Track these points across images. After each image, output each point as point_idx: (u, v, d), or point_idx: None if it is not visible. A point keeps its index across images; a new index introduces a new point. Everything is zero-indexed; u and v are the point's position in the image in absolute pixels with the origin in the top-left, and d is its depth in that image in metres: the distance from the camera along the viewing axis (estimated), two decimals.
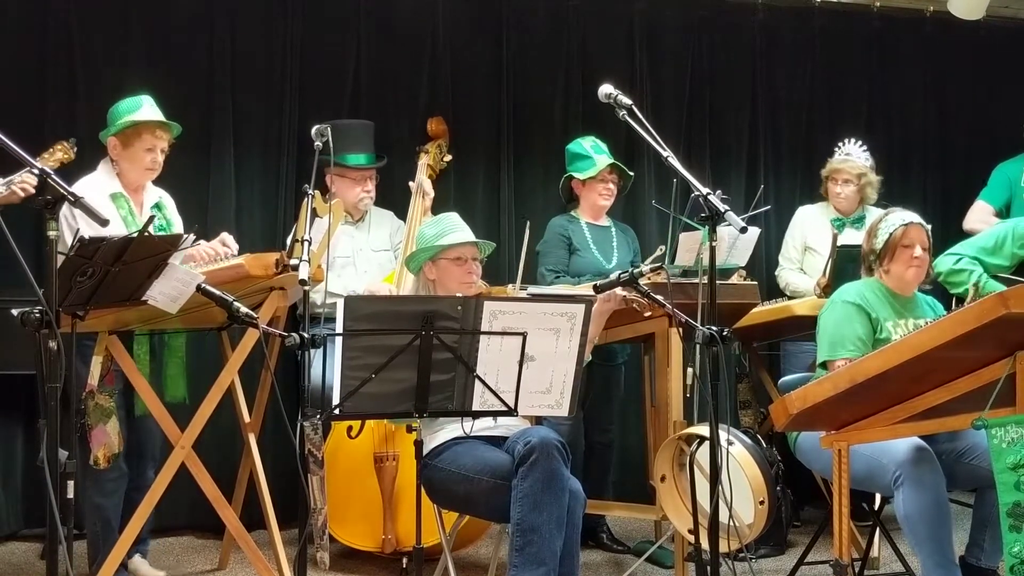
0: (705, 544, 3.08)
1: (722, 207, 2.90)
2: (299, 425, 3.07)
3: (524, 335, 2.84)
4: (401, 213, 4.64)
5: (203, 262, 3.53)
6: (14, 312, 2.60)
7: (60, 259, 2.64)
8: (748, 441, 3.36)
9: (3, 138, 2.62)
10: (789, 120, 5.58)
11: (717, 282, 3.02)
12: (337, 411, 2.83)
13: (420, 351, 2.79)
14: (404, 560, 4.04)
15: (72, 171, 3.67)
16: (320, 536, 3.73)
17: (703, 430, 3.26)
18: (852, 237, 4.42)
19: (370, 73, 5.01)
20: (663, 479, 3.54)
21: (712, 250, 2.96)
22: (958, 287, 3.95)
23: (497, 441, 3.22)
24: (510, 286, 3.85)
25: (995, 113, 5.77)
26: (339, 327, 2.74)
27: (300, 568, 3.08)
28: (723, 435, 3.07)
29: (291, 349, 2.99)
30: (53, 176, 2.59)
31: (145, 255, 2.95)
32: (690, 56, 5.43)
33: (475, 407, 2.93)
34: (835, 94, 5.65)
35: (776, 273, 4.92)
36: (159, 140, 3.68)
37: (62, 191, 2.57)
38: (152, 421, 3.66)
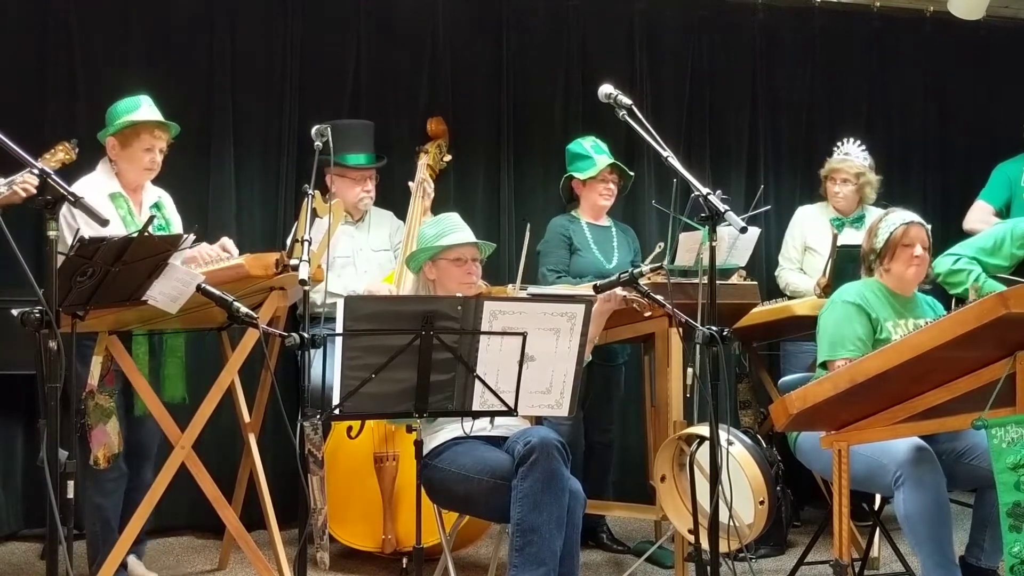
0: (705, 544, 3.08)
1: (722, 207, 2.90)
2: (299, 425, 3.07)
3: (524, 335, 2.84)
4: (401, 213, 4.64)
5: (203, 263, 3.52)
6: (14, 312, 2.60)
7: (60, 259, 2.64)
8: (748, 441, 3.36)
9: (3, 138, 2.62)
10: (789, 120, 5.58)
11: (717, 282, 3.02)
12: (337, 411, 2.83)
13: (420, 351, 2.79)
14: (404, 560, 4.04)
15: (72, 171, 3.67)
16: (320, 536, 3.73)
17: (703, 430, 3.26)
18: (852, 237, 4.42)
19: (370, 73, 5.01)
20: (663, 479, 3.54)
21: (712, 250, 2.96)
22: (957, 287, 3.95)
23: (497, 441, 3.23)
24: (510, 286, 3.85)
25: (995, 113, 5.77)
26: (339, 327, 2.74)
27: (300, 568, 3.08)
28: (723, 435, 3.07)
29: (291, 349, 2.99)
30: (53, 176, 2.59)
31: (145, 255, 2.95)
32: (690, 56, 5.43)
33: (475, 407, 2.93)
34: (835, 94, 5.65)
35: (776, 273, 4.92)
36: (157, 140, 3.67)
37: (62, 191, 2.58)
38: (150, 421, 3.66)
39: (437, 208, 4.50)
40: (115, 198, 3.63)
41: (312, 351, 2.98)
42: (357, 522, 4.09)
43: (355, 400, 2.80)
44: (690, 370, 3.34)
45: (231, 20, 4.82)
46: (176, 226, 3.82)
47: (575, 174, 4.40)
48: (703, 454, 3.29)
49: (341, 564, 4.12)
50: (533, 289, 3.83)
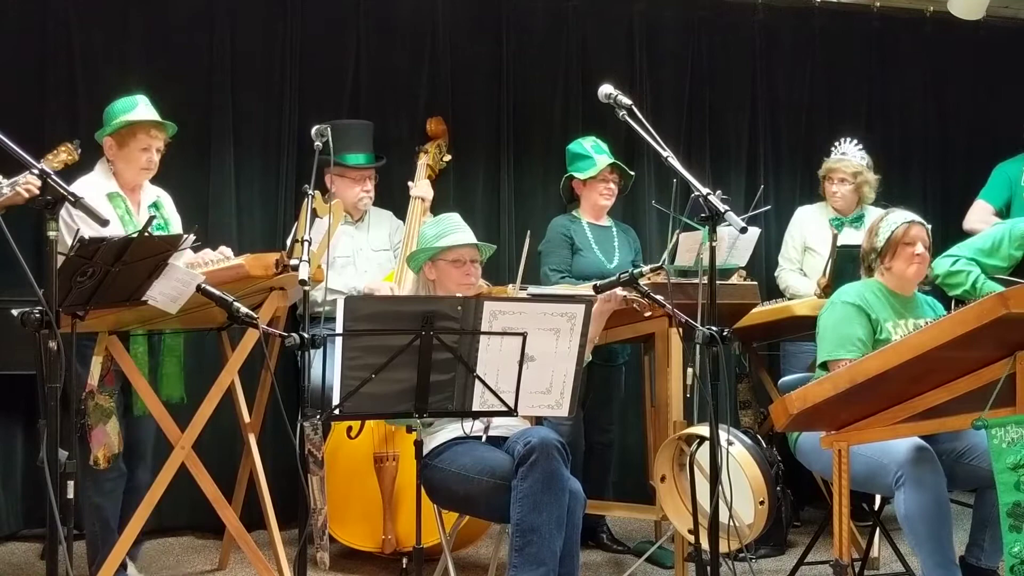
0: (705, 544, 3.08)
1: (722, 207, 2.91)
2: (299, 425, 3.08)
3: (524, 335, 2.83)
4: (401, 213, 4.64)
5: (204, 265, 3.52)
6: (14, 312, 2.60)
7: (60, 259, 2.64)
8: (748, 441, 3.36)
9: (3, 139, 2.62)
10: (789, 120, 5.58)
11: (717, 282, 3.02)
12: (337, 411, 2.83)
13: (420, 351, 2.79)
14: (404, 560, 4.04)
15: (74, 171, 3.67)
16: (320, 536, 3.73)
17: (703, 430, 3.26)
18: (851, 237, 4.43)
19: (370, 73, 5.01)
20: (663, 479, 3.54)
21: (712, 250, 2.96)
22: (956, 289, 3.95)
23: (497, 441, 3.23)
24: (510, 286, 3.85)
25: (995, 113, 5.77)
26: (339, 327, 2.74)
27: (300, 568, 3.08)
28: (723, 435, 3.07)
29: (291, 349, 2.99)
30: (53, 176, 2.59)
31: (145, 255, 2.95)
32: (690, 56, 5.43)
33: (475, 407, 2.93)
34: (835, 94, 5.65)
35: (776, 274, 4.92)
36: (154, 140, 3.67)
37: (62, 191, 2.58)
38: (147, 421, 3.66)
39: (437, 208, 4.50)
40: (113, 198, 3.63)
41: (312, 351, 2.98)
42: (357, 522, 4.09)
43: (355, 400, 2.79)
44: (690, 370, 3.34)
45: (231, 20, 4.82)
46: (175, 225, 3.81)
47: (575, 174, 4.40)
48: (703, 454, 3.29)
49: (341, 564, 4.12)
50: (533, 289, 3.83)
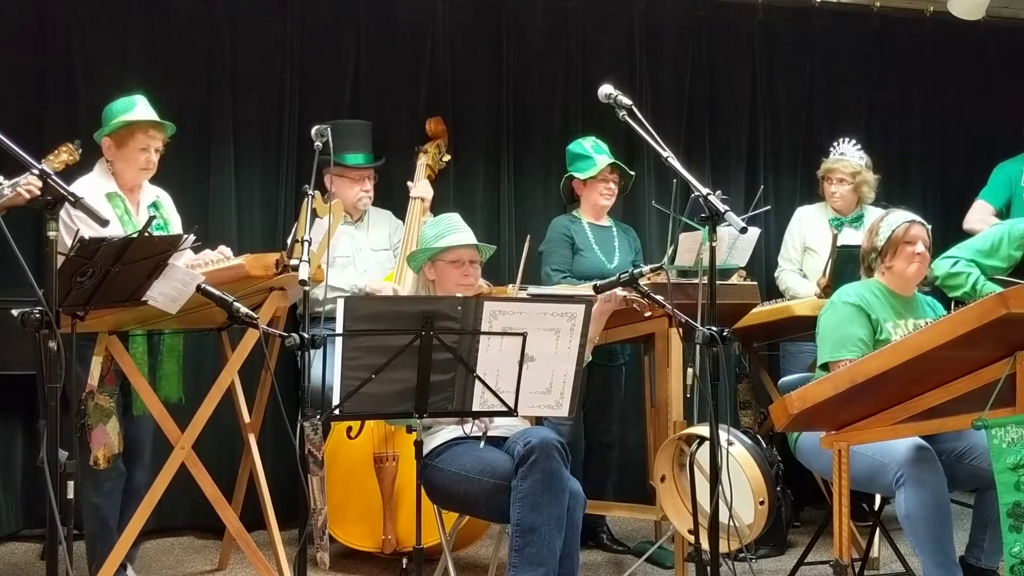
0: (705, 544, 3.08)
1: (722, 207, 2.90)
2: (299, 425, 3.07)
3: (524, 335, 2.83)
4: (400, 213, 4.65)
5: (205, 266, 3.52)
6: (14, 312, 2.60)
7: (60, 259, 2.64)
8: (748, 441, 3.36)
9: (3, 139, 2.62)
10: (789, 120, 5.58)
11: (717, 282, 3.02)
12: (337, 411, 2.83)
13: (420, 351, 2.79)
14: (404, 560, 4.04)
15: (73, 171, 3.67)
16: (320, 536, 3.73)
17: (703, 430, 3.26)
18: (851, 237, 4.43)
19: (370, 73, 5.01)
20: (663, 479, 3.54)
21: (712, 250, 2.96)
22: (956, 290, 3.95)
23: (497, 441, 3.22)
24: (510, 287, 3.85)
25: (995, 113, 5.78)
26: (339, 327, 2.74)
27: (300, 568, 3.08)
28: (723, 435, 3.07)
29: (291, 349, 2.99)
30: (53, 176, 2.60)
31: (145, 255, 2.95)
32: (690, 56, 5.43)
33: (475, 407, 2.93)
34: (835, 94, 5.65)
35: (776, 275, 4.92)
36: (153, 140, 3.67)
37: (62, 191, 2.58)
38: (144, 421, 3.66)
39: (437, 208, 4.51)
40: (112, 198, 3.63)
41: (312, 351, 2.98)
42: (357, 522, 4.09)
43: (355, 400, 2.79)
44: (690, 370, 3.34)
45: (231, 20, 4.82)
46: (175, 225, 3.81)
47: (575, 174, 4.40)
48: (703, 454, 3.29)
49: (341, 564, 4.12)
50: (533, 290, 3.83)
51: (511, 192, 5.15)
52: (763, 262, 5.12)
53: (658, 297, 3.29)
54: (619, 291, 3.36)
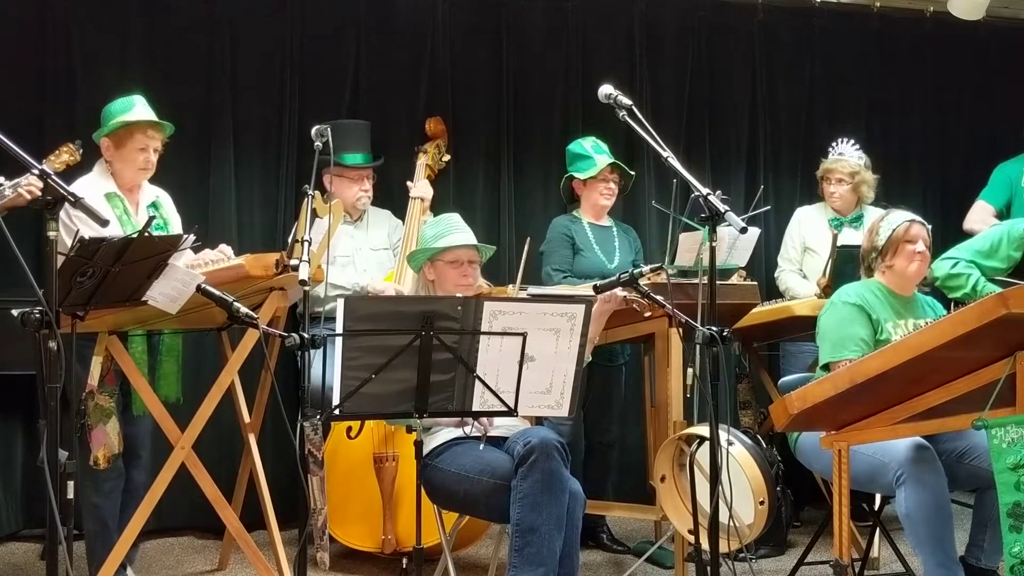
0: (705, 544, 3.08)
1: (722, 207, 2.90)
2: (299, 425, 3.07)
3: (524, 335, 2.83)
4: (400, 213, 4.65)
5: (204, 265, 3.52)
6: (14, 312, 2.60)
7: (60, 259, 2.64)
8: (748, 441, 3.36)
9: (3, 139, 2.62)
10: (789, 120, 5.58)
11: (717, 282, 3.02)
12: (337, 411, 2.83)
13: (420, 351, 2.79)
14: (404, 560, 4.04)
15: (74, 172, 3.67)
16: (320, 536, 3.73)
17: (703, 430, 3.26)
18: (851, 237, 4.43)
19: (370, 73, 5.01)
20: (663, 479, 3.54)
21: (712, 250, 2.96)
22: (956, 291, 3.95)
23: (497, 441, 3.22)
24: (510, 287, 3.85)
25: (995, 113, 5.78)
26: (339, 327, 2.74)
27: (300, 568, 3.08)
28: (723, 435, 3.07)
29: (291, 349, 2.99)
30: (53, 176, 2.60)
31: (145, 255, 2.95)
32: (690, 56, 5.43)
33: (475, 407, 2.93)
34: (835, 94, 5.65)
35: (775, 275, 4.92)
36: (151, 140, 3.67)
37: (62, 191, 2.58)
38: (143, 421, 3.67)
39: (437, 208, 4.51)
40: (111, 198, 3.63)
41: (312, 351, 2.98)
42: (357, 522, 4.09)
43: (355, 400, 2.79)
44: (690, 370, 3.34)
45: (231, 20, 4.82)
46: (175, 225, 3.81)
47: (576, 174, 4.40)
48: (703, 454, 3.29)
49: (341, 564, 4.12)
50: (533, 290, 3.83)
51: (511, 192, 5.15)
52: (763, 262, 5.12)
53: (658, 297, 3.29)
54: (619, 291, 3.36)
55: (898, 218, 3.55)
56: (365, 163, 4.52)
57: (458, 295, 3.21)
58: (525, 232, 3.88)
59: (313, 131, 3.30)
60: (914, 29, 5.73)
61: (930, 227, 3.60)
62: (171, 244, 3.05)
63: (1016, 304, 2.63)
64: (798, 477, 4.13)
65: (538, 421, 3.61)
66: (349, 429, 4.13)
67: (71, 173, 3.61)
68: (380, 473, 4.04)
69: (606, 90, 3.14)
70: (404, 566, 4.05)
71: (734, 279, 4.09)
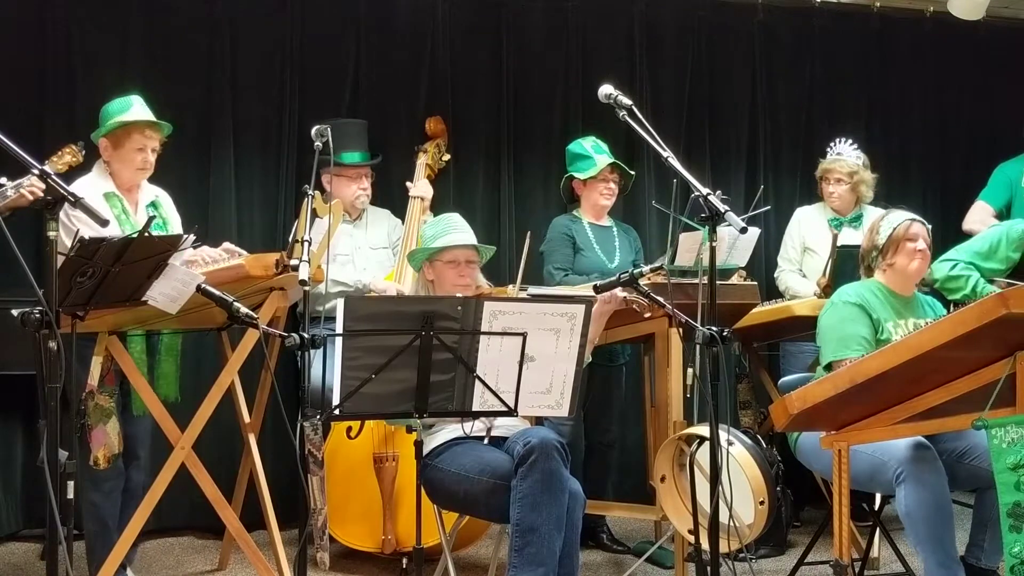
0: (705, 544, 3.08)
1: (722, 207, 2.90)
2: (299, 425, 3.07)
3: (524, 335, 2.83)
4: (400, 212, 4.65)
5: (203, 264, 3.52)
6: (14, 312, 2.60)
7: (60, 259, 2.64)
8: (748, 441, 3.36)
9: (4, 139, 2.62)
10: (789, 120, 5.58)
11: (717, 282, 3.02)
12: (337, 411, 2.83)
13: (420, 351, 2.79)
14: (404, 560, 4.04)
15: (76, 173, 3.67)
16: (320, 536, 3.73)
17: (703, 430, 3.26)
18: (850, 237, 4.43)
19: (370, 73, 5.01)
20: (663, 479, 3.54)
21: (712, 250, 2.96)
22: (956, 293, 3.95)
23: (497, 441, 3.22)
24: (510, 287, 3.85)
25: (995, 113, 5.77)
26: (339, 327, 2.74)
27: (300, 568, 3.08)
28: (723, 435, 3.07)
29: (291, 349, 2.99)
30: (53, 176, 2.60)
31: (145, 255, 2.95)
32: (690, 56, 5.43)
33: (475, 407, 2.93)
34: (835, 94, 5.65)
35: (775, 275, 4.92)
36: (149, 140, 3.67)
37: (62, 192, 2.58)
38: (142, 421, 3.67)
39: (437, 208, 4.51)
40: (109, 198, 3.63)
41: (312, 351, 2.98)
42: (357, 522, 4.09)
43: (355, 400, 2.79)
44: (690, 370, 3.34)
45: (231, 21, 4.82)
46: (174, 224, 3.81)
47: (575, 174, 4.40)
48: (703, 454, 3.29)
49: (341, 564, 4.12)
50: (534, 290, 3.83)
51: (511, 192, 5.15)
52: (763, 262, 5.12)
53: (658, 297, 3.29)
54: (619, 292, 3.36)
55: (898, 217, 3.56)
56: (363, 161, 4.52)
57: (458, 295, 3.21)
58: (525, 233, 3.87)
59: (313, 131, 3.30)
60: (914, 29, 5.73)
61: (930, 227, 3.60)
62: (171, 244, 3.05)
63: (1016, 304, 2.63)
64: (798, 477, 4.13)
65: (538, 421, 3.61)
66: (349, 429, 4.13)
67: (73, 174, 3.61)
68: (380, 473, 4.04)
69: (606, 90, 3.14)
70: (404, 566, 4.05)
71: (734, 279, 4.09)
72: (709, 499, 2.95)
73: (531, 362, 2.89)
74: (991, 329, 2.68)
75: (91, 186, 3.60)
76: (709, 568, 2.96)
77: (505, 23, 5.16)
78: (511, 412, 2.92)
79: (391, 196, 4.76)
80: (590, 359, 3.32)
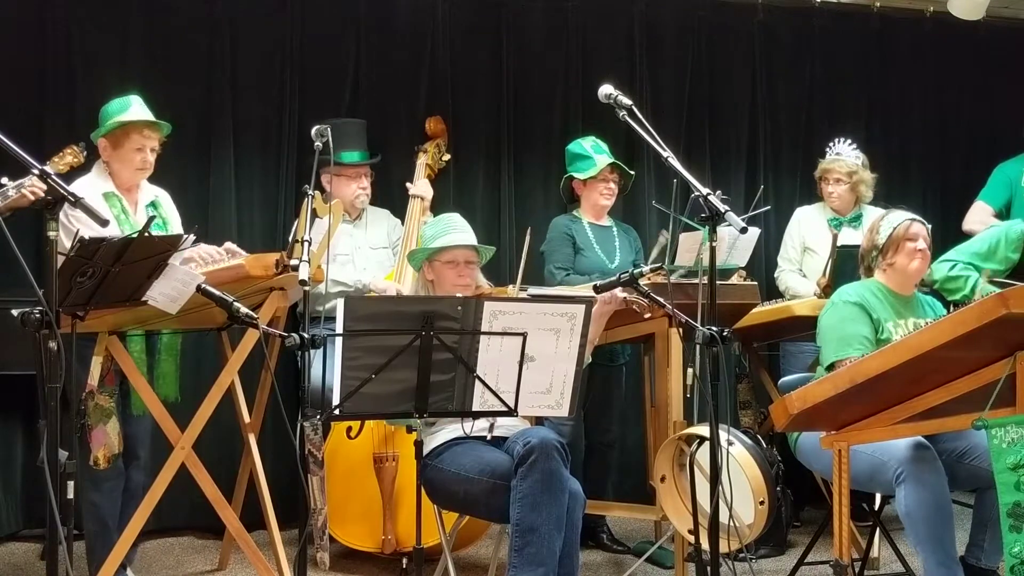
0: (705, 544, 3.08)
1: (722, 207, 2.90)
2: (299, 425, 3.07)
3: (524, 335, 2.83)
4: (401, 212, 4.65)
5: (203, 263, 3.52)
6: (14, 312, 2.60)
7: (60, 259, 2.64)
8: (748, 441, 3.36)
9: (4, 140, 2.62)
10: (789, 120, 5.58)
11: (717, 282, 3.02)
12: (337, 411, 2.83)
13: (420, 351, 2.79)
14: (404, 560, 4.04)
15: (77, 173, 3.67)
16: (320, 536, 3.73)
17: (703, 430, 3.26)
18: (850, 236, 4.43)
19: (370, 73, 5.01)
20: (663, 479, 3.54)
21: (712, 250, 2.96)
22: (955, 294, 3.96)
23: (497, 441, 3.22)
24: (511, 287, 3.85)
25: (995, 113, 5.78)
26: (339, 327, 2.74)
27: (300, 568, 3.08)
28: (723, 435, 3.07)
29: (291, 349, 2.99)
30: (53, 176, 2.60)
31: (145, 255, 2.95)
32: (690, 56, 5.43)
33: (475, 407, 2.93)
34: (835, 94, 5.65)
35: (776, 275, 4.92)
36: (148, 140, 3.67)
37: (62, 191, 2.58)
38: (141, 420, 3.67)
39: (437, 208, 4.51)
40: (108, 197, 3.63)
41: (312, 351, 2.98)
42: (357, 522, 4.09)
43: (355, 400, 2.79)
44: (690, 370, 3.34)
45: (231, 21, 4.82)
46: (174, 224, 3.81)
47: (575, 174, 4.40)
48: (703, 454, 3.29)
49: (341, 564, 4.12)
50: (534, 290, 3.83)
51: (511, 192, 5.16)
52: (763, 262, 5.12)
53: (658, 298, 3.29)
54: (619, 292, 3.36)
55: (898, 217, 3.56)
56: (362, 160, 4.52)
57: (458, 295, 3.21)
58: (525, 233, 3.87)
59: (313, 131, 3.30)
60: (914, 29, 5.73)
61: (930, 227, 3.60)
62: (171, 244, 3.05)
63: (1016, 304, 2.63)
64: (798, 477, 4.13)
65: (538, 421, 3.61)
66: (349, 429, 4.13)
67: (74, 175, 3.61)
68: (380, 473, 4.04)
69: (606, 90, 3.14)
70: (404, 566, 4.05)
71: (734, 279, 4.09)
72: (709, 499, 2.95)
73: (531, 362, 2.89)
74: (991, 329, 2.68)
75: (90, 186, 3.60)
76: (709, 568, 2.96)
77: (505, 23, 5.16)
78: (511, 412, 2.92)
79: (391, 196, 4.76)
80: (590, 359, 3.32)
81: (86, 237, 2.76)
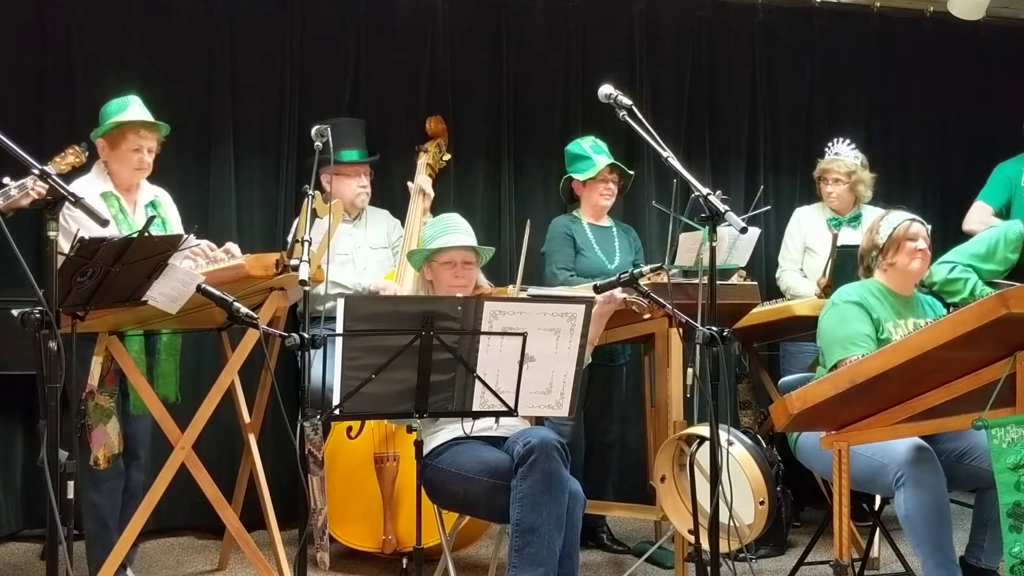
0: (705, 544, 3.08)
1: (722, 207, 2.90)
2: (299, 425, 3.07)
3: (524, 335, 2.83)
4: (401, 212, 4.65)
5: (201, 259, 3.52)
6: (14, 312, 2.60)
7: (60, 259, 2.64)
8: (748, 441, 3.36)
9: (4, 140, 2.62)
10: (789, 120, 5.58)
11: (717, 282, 3.02)
12: (337, 411, 2.83)
13: (420, 351, 2.79)
14: (404, 560, 4.04)
15: (78, 174, 3.67)
16: (320, 536, 3.73)
17: (703, 430, 3.26)
18: (850, 236, 4.43)
19: (370, 73, 5.01)
20: (663, 479, 3.54)
21: (712, 250, 2.96)
22: (955, 296, 3.96)
23: (497, 441, 3.22)
24: (511, 287, 3.85)
25: (995, 113, 5.77)
26: (339, 327, 2.74)
27: (300, 568, 3.08)
28: (723, 435, 3.07)
29: (291, 349, 2.99)
30: (53, 176, 2.60)
31: (145, 255, 2.95)
32: (690, 56, 5.43)
33: (475, 407, 2.93)
34: (835, 94, 5.65)
35: (776, 275, 4.92)
36: (145, 140, 3.67)
37: (62, 191, 2.58)
38: (141, 420, 3.67)
39: (438, 208, 4.51)
40: (107, 197, 3.64)
41: (312, 351, 2.98)
42: (357, 522, 4.09)
43: (355, 400, 2.79)
44: (690, 370, 3.34)
45: (231, 21, 4.82)
46: (174, 224, 3.82)
47: (575, 175, 4.40)
48: (703, 454, 3.29)
49: (341, 564, 4.12)
50: (534, 290, 3.83)
51: (511, 192, 5.16)
52: (763, 262, 5.12)
53: (658, 298, 3.29)
54: (618, 293, 3.35)
55: (898, 217, 3.56)
56: (361, 159, 4.52)
57: (458, 295, 3.21)
58: (524, 233, 3.87)
59: (313, 131, 3.30)
60: (914, 29, 5.73)
61: (930, 227, 3.60)
62: (171, 244, 3.05)
63: (1016, 304, 2.63)
64: (798, 477, 4.13)
65: (538, 421, 3.61)
66: (349, 429, 4.13)
67: (75, 175, 3.62)
68: (380, 473, 4.04)
69: (606, 90, 3.14)
70: (404, 566, 4.05)
71: (734, 279, 4.09)
72: (709, 499, 2.95)
73: (531, 362, 2.89)
74: (991, 329, 2.68)
75: (89, 186, 3.60)
76: (709, 568, 2.96)
77: (505, 23, 5.17)
78: (511, 412, 2.92)
79: (391, 196, 4.76)
80: (590, 360, 3.32)
81: (85, 238, 2.76)
